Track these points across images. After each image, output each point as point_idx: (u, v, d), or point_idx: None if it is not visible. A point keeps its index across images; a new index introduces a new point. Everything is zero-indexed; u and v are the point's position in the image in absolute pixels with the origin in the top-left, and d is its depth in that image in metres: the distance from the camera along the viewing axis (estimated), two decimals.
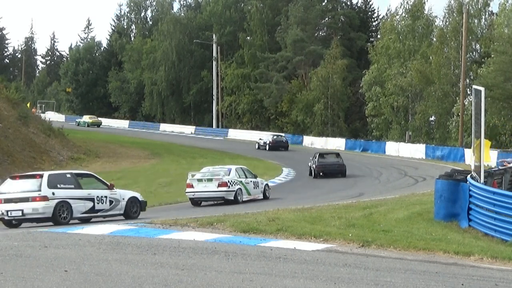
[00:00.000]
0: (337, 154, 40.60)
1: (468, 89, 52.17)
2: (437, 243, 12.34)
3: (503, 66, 50.84)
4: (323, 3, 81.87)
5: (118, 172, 41.14)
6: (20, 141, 43.99)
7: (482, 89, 16.41)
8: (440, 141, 59.31)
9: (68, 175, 18.80)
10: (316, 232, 12.96)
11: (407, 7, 66.92)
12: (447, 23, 64.27)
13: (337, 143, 62.08)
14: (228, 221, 14.46)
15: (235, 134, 75.03)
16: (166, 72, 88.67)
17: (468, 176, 16.98)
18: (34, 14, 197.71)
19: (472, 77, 58.58)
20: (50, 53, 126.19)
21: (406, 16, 66.83)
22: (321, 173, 38.19)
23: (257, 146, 59.84)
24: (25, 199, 17.38)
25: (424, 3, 67.32)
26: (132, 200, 19.90)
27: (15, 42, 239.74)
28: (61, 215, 17.49)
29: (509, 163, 24.73)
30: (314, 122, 71.75)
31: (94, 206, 18.51)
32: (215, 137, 72.90)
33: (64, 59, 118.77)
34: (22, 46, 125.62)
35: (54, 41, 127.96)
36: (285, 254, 10.82)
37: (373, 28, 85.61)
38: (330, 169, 38.37)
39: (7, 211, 17.44)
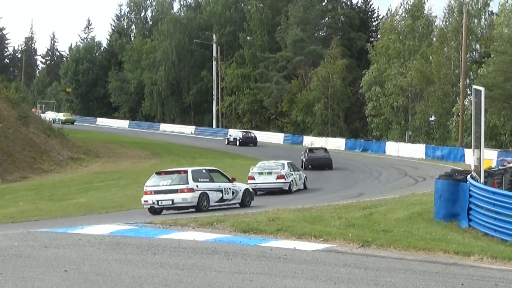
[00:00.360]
0: (325, 150, 44.82)
1: (468, 89, 52.18)
2: (437, 243, 12.34)
3: (503, 66, 50.85)
4: (323, 3, 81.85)
5: (118, 172, 41.16)
6: (20, 141, 44.00)
7: (482, 89, 16.41)
8: (440, 141, 59.31)
9: (204, 171, 22.78)
10: (316, 232, 12.96)
11: (407, 7, 66.94)
12: (447, 23, 64.28)
13: (337, 143, 62.08)
14: (228, 221, 14.46)
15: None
16: (166, 72, 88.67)
17: (468, 176, 16.98)
18: (34, 14, 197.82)
19: (472, 77, 58.57)
20: (50, 53, 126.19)
21: (406, 16, 66.84)
22: (309, 166, 41.98)
23: (226, 142, 63.57)
24: (175, 191, 21.34)
25: (424, 3, 67.35)
26: (246, 191, 23.40)
27: (15, 42, 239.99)
28: (202, 203, 21.45)
29: (509, 163, 24.73)
30: (314, 122, 71.77)
31: (222, 196, 22.38)
32: (215, 137, 72.88)
33: (64, 59, 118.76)
34: (22, 46, 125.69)
35: (54, 41, 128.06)
36: (285, 254, 10.82)
37: (373, 28, 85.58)
38: (318, 163, 42.42)
39: (157, 201, 21.40)
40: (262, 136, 68.34)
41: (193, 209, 21.29)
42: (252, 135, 64.29)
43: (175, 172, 22.38)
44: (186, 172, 21.90)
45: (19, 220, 21.98)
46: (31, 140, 45.22)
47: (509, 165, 23.95)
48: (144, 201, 21.74)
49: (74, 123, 78.77)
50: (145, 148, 55.29)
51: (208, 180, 22.09)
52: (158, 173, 22.47)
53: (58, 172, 41.89)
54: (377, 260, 10.69)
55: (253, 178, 29.68)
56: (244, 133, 64.21)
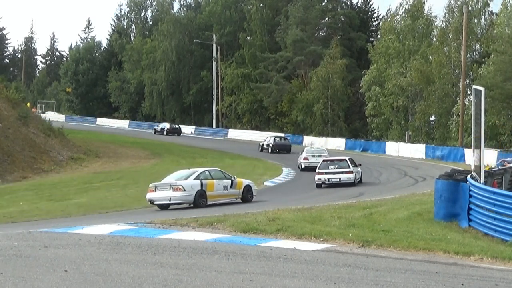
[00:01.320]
0: (285, 138, 59.44)
1: (468, 89, 52.18)
2: (437, 243, 12.33)
3: (503, 66, 50.87)
4: (323, 3, 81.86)
5: (118, 172, 41.14)
6: (20, 141, 43.99)
7: (482, 89, 16.41)
8: (440, 141, 59.31)
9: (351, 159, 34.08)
10: (316, 232, 12.96)
11: (407, 7, 66.96)
12: (447, 23, 64.30)
13: (337, 143, 62.07)
14: (228, 221, 14.46)
15: (235, 134, 75.01)
16: (166, 72, 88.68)
17: (468, 176, 16.99)
18: (34, 14, 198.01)
19: (472, 77, 58.59)
20: (50, 53, 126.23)
21: (406, 16, 66.85)
22: (276, 150, 54.70)
23: (153, 132, 71.68)
24: (340, 173, 31.85)
25: (424, 3, 67.37)
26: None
27: (15, 42, 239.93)
28: (356, 180, 32.57)
29: (509, 163, 24.75)
30: (314, 122, 71.78)
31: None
32: (215, 137, 72.89)
33: (64, 59, 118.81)
34: (22, 46, 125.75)
35: (54, 41, 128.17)
36: (285, 254, 10.82)
37: (373, 28, 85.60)
38: (282, 148, 55.43)
39: (328, 179, 31.91)
40: (262, 136, 68.32)
41: (353, 184, 31.66)
42: (176, 125, 74.63)
43: (339, 161, 33.10)
44: (345, 159, 33.06)
45: (19, 220, 21.97)
46: (31, 140, 45.22)
47: (509, 165, 23.96)
48: (318, 179, 31.99)
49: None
50: (145, 148, 55.26)
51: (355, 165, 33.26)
52: (325, 161, 33.24)
53: (58, 172, 41.87)
54: (377, 260, 10.69)
55: (308, 159, 40.91)
56: (170, 124, 74.05)
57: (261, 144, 57.21)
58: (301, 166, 41.70)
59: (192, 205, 23.78)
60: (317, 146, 55.08)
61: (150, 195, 23.82)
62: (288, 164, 45.20)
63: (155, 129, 73.97)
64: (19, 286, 7.96)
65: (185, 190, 23.39)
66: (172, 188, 23.46)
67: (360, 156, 52.82)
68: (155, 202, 23.76)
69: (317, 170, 32.52)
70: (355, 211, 17.14)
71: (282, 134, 64.42)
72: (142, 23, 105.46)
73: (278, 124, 76.72)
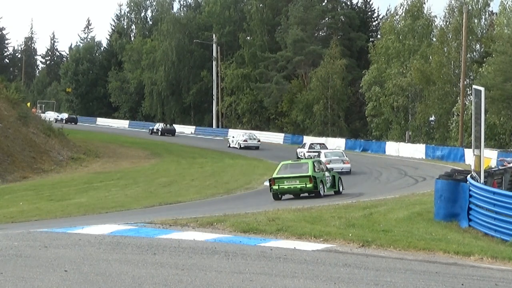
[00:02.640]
0: (258, 140, 60.06)
1: (468, 89, 52.18)
2: (437, 243, 12.33)
3: (503, 66, 50.87)
4: (323, 3, 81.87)
5: (118, 172, 41.15)
6: (20, 141, 43.99)
7: (482, 89, 16.41)
8: (440, 141, 59.32)
9: None
10: (316, 232, 12.95)
11: (407, 7, 66.96)
12: (447, 23, 64.31)
13: (337, 143, 62.05)
14: (228, 221, 14.45)
15: (235, 134, 74.89)
16: (166, 72, 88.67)
17: (468, 176, 16.98)
18: (34, 14, 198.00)
19: (472, 77, 58.60)
20: (50, 53, 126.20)
21: (406, 16, 66.85)
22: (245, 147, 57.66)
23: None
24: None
25: (424, 3, 67.38)
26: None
27: (15, 42, 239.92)
28: None
29: (509, 163, 24.73)
30: (314, 122, 71.78)
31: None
32: (215, 137, 72.88)
33: (64, 59, 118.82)
34: (22, 46, 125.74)
35: (54, 41, 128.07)
36: (285, 254, 10.81)
37: (373, 28, 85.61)
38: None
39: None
40: (262, 136, 68.34)
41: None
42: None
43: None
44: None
45: (19, 220, 21.97)
46: (31, 140, 45.22)
47: (509, 165, 23.94)
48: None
49: None
50: (145, 148, 55.26)
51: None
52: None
53: (58, 172, 41.88)
54: (377, 260, 10.69)
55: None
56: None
57: (151, 128, 73.08)
58: None
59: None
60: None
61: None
62: None
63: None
64: (19, 286, 7.96)
65: None
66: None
67: (360, 156, 52.87)
68: None
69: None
70: (355, 211, 17.14)
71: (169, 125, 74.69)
72: (142, 23, 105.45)
73: (278, 124, 76.72)
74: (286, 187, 25.72)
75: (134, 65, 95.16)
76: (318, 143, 51.06)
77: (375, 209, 17.88)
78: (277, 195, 25.77)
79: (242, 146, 57.91)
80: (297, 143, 65.63)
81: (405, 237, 12.68)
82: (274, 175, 26.06)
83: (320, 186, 25.79)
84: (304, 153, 49.70)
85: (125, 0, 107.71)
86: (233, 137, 62.34)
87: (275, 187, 25.63)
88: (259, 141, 60.06)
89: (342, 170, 37.33)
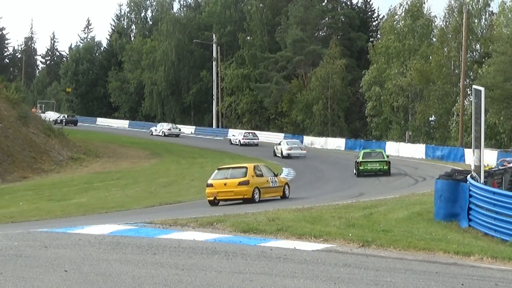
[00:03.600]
0: (254, 133, 64.12)
1: (468, 89, 52.20)
2: (437, 243, 12.33)
3: (503, 66, 50.89)
4: (323, 3, 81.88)
5: (118, 172, 41.15)
6: (20, 141, 44.00)
7: (482, 89, 16.41)
8: (440, 141, 59.33)
9: None
10: (316, 232, 12.95)
11: (406, 7, 66.97)
12: (447, 23, 64.33)
13: (337, 143, 62.08)
14: (228, 221, 14.45)
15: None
16: (166, 72, 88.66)
17: (468, 176, 16.98)
18: (34, 14, 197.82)
19: (472, 77, 58.62)
20: (50, 53, 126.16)
21: (406, 16, 66.86)
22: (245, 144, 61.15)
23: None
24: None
25: (424, 3, 67.39)
26: None
27: (15, 42, 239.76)
28: None
29: (509, 163, 24.74)
30: (314, 122, 71.77)
31: None
32: (215, 137, 72.86)
33: (64, 59, 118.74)
34: (22, 46, 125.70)
35: (54, 41, 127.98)
36: (285, 254, 10.81)
37: (373, 28, 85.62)
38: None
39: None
40: (262, 136, 68.34)
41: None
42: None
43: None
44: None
45: (19, 220, 21.98)
46: (31, 140, 45.23)
47: (509, 165, 23.95)
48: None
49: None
50: (145, 148, 55.26)
51: None
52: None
53: (58, 172, 41.90)
54: (377, 260, 10.69)
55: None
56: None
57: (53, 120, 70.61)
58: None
59: None
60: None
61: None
62: (288, 164, 45.23)
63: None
64: (19, 286, 7.96)
65: None
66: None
67: None
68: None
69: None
70: (355, 211, 17.13)
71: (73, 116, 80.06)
72: (142, 23, 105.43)
73: (278, 124, 76.71)
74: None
75: (134, 65, 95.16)
76: (250, 132, 65.08)
77: (375, 209, 17.88)
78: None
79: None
80: None
81: (405, 237, 12.68)
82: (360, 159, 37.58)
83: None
84: (239, 140, 61.96)
85: (125, 0, 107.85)
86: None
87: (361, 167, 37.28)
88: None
89: (300, 155, 49.82)
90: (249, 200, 24.32)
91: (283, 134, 71.33)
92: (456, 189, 16.36)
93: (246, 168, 25.21)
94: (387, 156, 38.38)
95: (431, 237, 13.10)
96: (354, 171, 37.97)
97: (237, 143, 62.34)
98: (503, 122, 52.32)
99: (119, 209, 24.68)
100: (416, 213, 17.30)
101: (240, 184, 24.31)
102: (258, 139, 63.40)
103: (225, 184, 24.38)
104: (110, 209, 24.68)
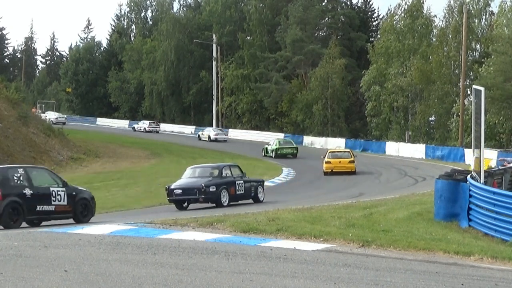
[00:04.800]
0: (222, 130, 70.68)
1: (468, 89, 52.22)
2: (437, 243, 12.33)
3: (503, 66, 50.89)
4: (323, 3, 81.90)
5: (118, 172, 41.16)
6: (20, 141, 44.01)
7: (482, 89, 16.41)
8: (440, 141, 59.34)
9: None
10: (316, 232, 12.94)
11: (406, 7, 66.96)
12: (447, 23, 64.32)
13: (337, 143, 62.07)
14: (228, 221, 14.44)
15: (235, 134, 75.01)
16: (166, 72, 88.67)
17: (468, 176, 16.98)
18: (34, 14, 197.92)
19: (472, 77, 58.62)
20: (50, 53, 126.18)
21: (405, 15, 66.85)
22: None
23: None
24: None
25: (423, 2, 67.37)
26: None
27: (15, 42, 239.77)
28: None
29: (509, 163, 24.75)
30: (314, 122, 71.76)
31: None
32: None
33: (64, 59, 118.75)
34: (22, 46, 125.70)
35: (54, 41, 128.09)
36: (285, 254, 10.81)
37: (373, 28, 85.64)
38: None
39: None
40: (262, 136, 68.33)
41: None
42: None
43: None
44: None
45: None
46: (31, 140, 45.23)
47: (509, 165, 23.96)
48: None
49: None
50: (145, 148, 55.27)
51: None
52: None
53: (58, 172, 41.78)
54: (377, 260, 10.68)
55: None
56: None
57: None
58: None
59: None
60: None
61: None
62: (288, 164, 45.26)
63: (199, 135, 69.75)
64: (19, 286, 7.95)
65: None
66: None
67: (360, 156, 52.80)
68: None
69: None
70: (355, 211, 17.13)
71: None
72: (142, 23, 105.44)
73: (278, 124, 76.71)
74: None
75: (134, 65, 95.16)
76: (153, 122, 79.69)
77: (375, 209, 17.88)
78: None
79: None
80: (297, 143, 65.66)
81: (405, 237, 12.67)
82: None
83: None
84: (145, 128, 75.21)
85: (125, 0, 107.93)
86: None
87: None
88: (226, 135, 70.57)
89: (223, 140, 65.83)
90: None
91: (283, 134, 71.38)
92: (456, 189, 16.36)
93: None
94: (295, 145, 53.91)
95: (431, 237, 13.10)
96: (268, 154, 52.11)
97: (142, 130, 75.79)
98: (503, 122, 52.32)
99: (119, 209, 24.69)
100: (416, 213, 17.30)
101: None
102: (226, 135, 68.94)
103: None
104: (110, 209, 24.68)
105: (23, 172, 16.99)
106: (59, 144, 47.84)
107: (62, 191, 17.57)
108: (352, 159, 39.41)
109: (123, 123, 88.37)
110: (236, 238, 12.65)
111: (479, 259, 11.27)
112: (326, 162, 39.18)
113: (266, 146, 53.75)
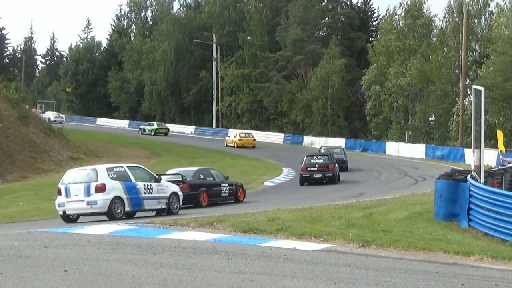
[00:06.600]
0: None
1: (468, 89, 52.22)
2: (437, 243, 12.33)
3: (503, 67, 50.89)
4: (323, 3, 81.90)
5: None
6: (20, 141, 43.99)
7: (482, 89, 16.41)
8: (440, 141, 59.34)
9: None
10: (316, 232, 12.94)
11: (406, 7, 66.97)
12: (447, 23, 64.33)
13: (337, 143, 62.01)
14: (228, 221, 14.44)
15: (235, 134, 74.84)
16: (165, 72, 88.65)
17: (468, 176, 16.98)
18: (34, 14, 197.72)
19: (472, 77, 58.63)
20: (50, 53, 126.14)
21: (406, 15, 66.87)
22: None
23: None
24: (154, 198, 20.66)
25: (424, 2, 67.40)
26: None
27: (15, 42, 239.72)
28: None
29: (509, 163, 24.75)
30: (314, 122, 71.76)
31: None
32: (215, 137, 72.85)
33: (64, 59, 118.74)
34: (22, 46, 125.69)
35: (54, 41, 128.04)
36: (285, 254, 10.81)
37: (373, 28, 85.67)
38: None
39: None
40: (262, 136, 68.29)
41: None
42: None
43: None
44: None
45: (19, 220, 21.98)
46: (31, 140, 45.21)
47: (509, 165, 23.96)
48: None
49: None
50: (145, 148, 55.25)
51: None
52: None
53: (58, 172, 41.77)
54: (377, 260, 10.68)
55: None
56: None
57: None
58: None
59: None
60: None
61: None
62: (288, 164, 45.24)
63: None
64: (19, 286, 7.95)
65: None
66: None
67: (360, 156, 52.91)
68: None
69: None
70: (355, 211, 17.12)
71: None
72: (142, 23, 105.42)
73: (278, 124, 76.70)
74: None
75: (134, 65, 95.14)
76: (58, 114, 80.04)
77: (375, 209, 17.87)
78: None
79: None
80: (297, 143, 65.74)
81: (405, 237, 12.67)
82: None
83: None
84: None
85: (125, 0, 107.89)
86: None
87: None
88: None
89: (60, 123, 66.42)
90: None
91: (283, 134, 71.45)
92: (456, 189, 16.36)
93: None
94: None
95: (431, 237, 13.10)
96: (146, 133, 66.63)
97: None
98: (503, 122, 52.32)
99: None
100: (416, 213, 17.29)
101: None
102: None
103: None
104: None
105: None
106: (59, 144, 47.83)
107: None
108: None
109: (123, 123, 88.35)
110: (236, 238, 12.65)
111: (479, 259, 11.27)
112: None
113: (143, 126, 71.20)
